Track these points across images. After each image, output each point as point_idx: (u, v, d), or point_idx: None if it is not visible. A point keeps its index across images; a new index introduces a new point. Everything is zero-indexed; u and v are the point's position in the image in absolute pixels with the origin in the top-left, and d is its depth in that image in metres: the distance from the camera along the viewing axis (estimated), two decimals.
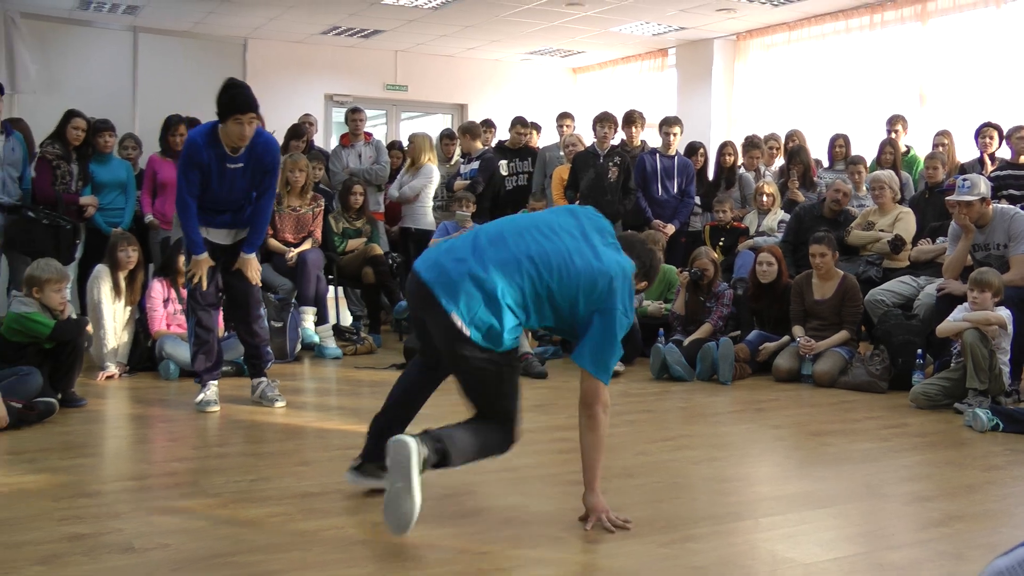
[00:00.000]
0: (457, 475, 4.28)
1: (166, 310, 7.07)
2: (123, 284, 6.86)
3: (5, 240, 7.73)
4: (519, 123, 9.92)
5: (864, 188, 8.40)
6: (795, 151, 9.26)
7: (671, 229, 8.86)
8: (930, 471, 4.64)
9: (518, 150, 9.82)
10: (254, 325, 5.88)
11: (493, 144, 10.20)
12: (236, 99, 5.26)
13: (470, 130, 9.76)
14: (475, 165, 9.56)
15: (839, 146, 9.28)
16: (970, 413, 5.41)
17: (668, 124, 9.16)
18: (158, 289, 7.07)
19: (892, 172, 8.14)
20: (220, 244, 5.68)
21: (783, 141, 9.72)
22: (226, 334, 6.91)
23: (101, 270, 6.86)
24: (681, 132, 9.20)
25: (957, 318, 5.92)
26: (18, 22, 11.13)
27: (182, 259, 6.75)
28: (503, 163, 9.71)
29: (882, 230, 7.70)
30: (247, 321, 5.86)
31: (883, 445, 5.10)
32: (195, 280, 5.56)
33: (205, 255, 5.55)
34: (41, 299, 5.63)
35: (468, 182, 9.43)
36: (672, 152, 9.10)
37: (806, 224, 8.01)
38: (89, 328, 6.18)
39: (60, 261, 6.21)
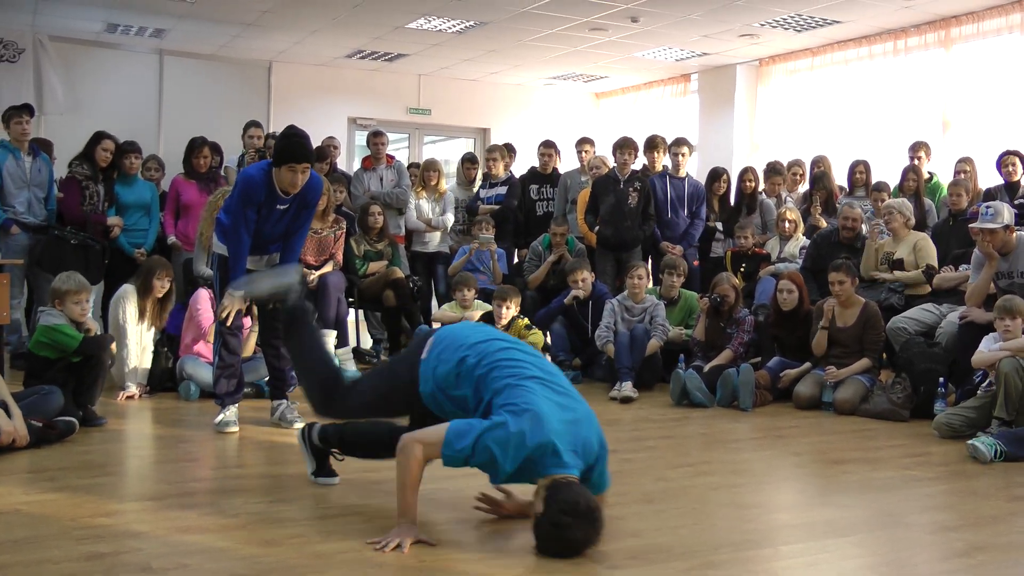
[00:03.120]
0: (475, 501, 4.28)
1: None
2: (148, 307, 6.88)
3: (30, 260, 7.79)
4: (543, 145, 9.97)
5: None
6: (818, 177, 9.25)
7: (679, 250, 8.83)
8: (953, 501, 4.60)
9: (547, 175, 9.85)
10: (282, 348, 5.91)
11: (512, 169, 10.21)
12: (293, 148, 5.38)
13: (492, 153, 9.82)
14: (499, 190, 9.59)
15: (859, 172, 9.25)
16: (971, 447, 5.33)
17: (677, 145, 9.18)
18: (205, 296, 7.03)
19: (903, 200, 8.09)
20: (254, 270, 5.74)
21: (808, 167, 9.71)
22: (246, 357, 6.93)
23: (127, 290, 6.89)
24: (690, 153, 9.20)
25: (992, 348, 5.86)
26: (47, 45, 11.26)
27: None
28: (533, 187, 9.77)
29: (900, 258, 7.65)
30: (276, 344, 5.90)
31: (905, 474, 5.05)
32: (223, 314, 5.60)
33: (242, 294, 5.61)
34: (63, 311, 5.71)
35: (495, 207, 9.46)
36: (682, 174, 9.11)
37: (823, 251, 7.99)
38: (113, 347, 6.21)
39: (89, 280, 6.24)
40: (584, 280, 8.04)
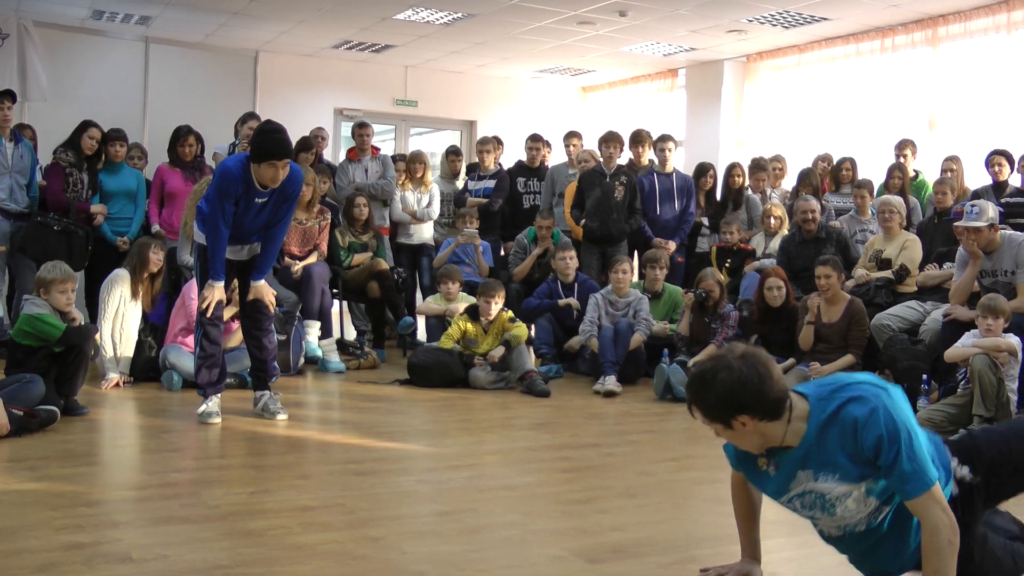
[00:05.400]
0: (458, 492, 4.29)
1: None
2: (142, 288, 6.87)
3: (12, 247, 7.75)
4: (531, 139, 9.96)
5: (869, 212, 8.38)
6: (805, 173, 9.26)
7: (672, 246, 8.87)
8: None
9: (534, 169, 9.84)
10: (264, 339, 5.92)
11: (500, 162, 10.19)
12: (274, 145, 5.37)
13: (485, 145, 9.82)
14: (488, 183, 9.57)
15: (846, 169, 9.29)
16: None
17: (662, 141, 9.24)
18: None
19: (901, 198, 8.11)
20: (235, 260, 5.76)
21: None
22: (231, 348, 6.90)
23: (120, 274, 6.88)
24: (675, 147, 9.23)
25: (967, 344, 5.89)
26: (31, 30, 11.17)
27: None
28: (520, 180, 9.76)
29: (888, 258, 7.67)
30: (257, 335, 5.90)
31: None
32: (204, 305, 5.59)
33: (222, 284, 5.61)
34: (48, 300, 5.68)
35: (483, 200, 9.45)
36: (669, 169, 9.13)
37: (792, 253, 8.00)
38: (98, 337, 6.19)
39: (72, 267, 6.23)
40: (572, 258, 8.13)
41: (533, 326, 8.18)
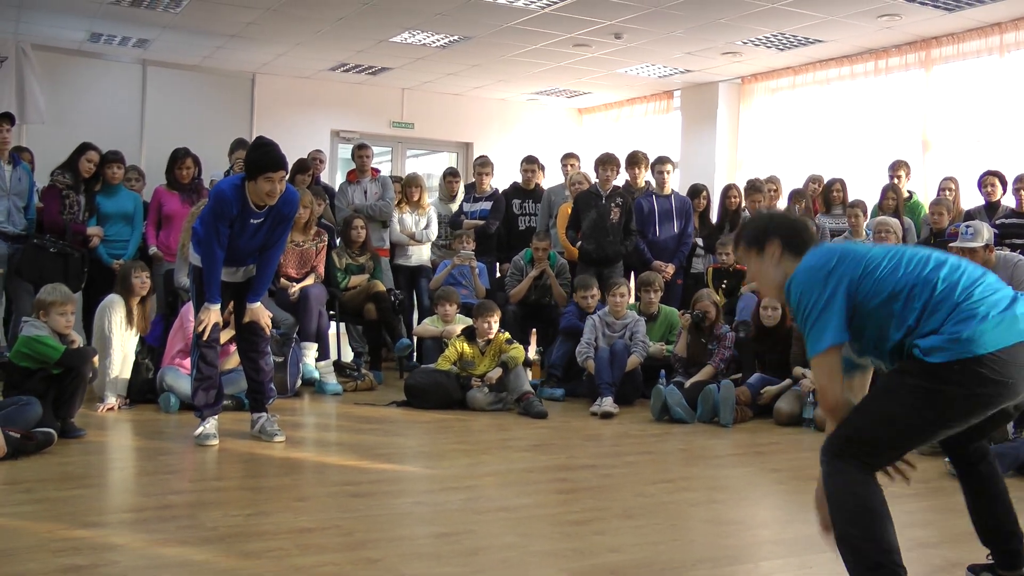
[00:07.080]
0: (456, 514, 4.28)
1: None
2: (136, 312, 6.88)
3: (9, 269, 7.75)
4: (526, 160, 9.98)
5: (864, 233, 8.41)
6: (796, 193, 9.29)
7: (671, 269, 8.89)
8: (932, 517, 4.61)
9: (530, 191, 9.86)
10: (260, 361, 5.91)
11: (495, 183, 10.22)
12: (268, 157, 5.40)
13: (485, 167, 9.84)
14: (484, 205, 9.60)
15: (836, 191, 9.33)
16: (947, 462, 5.35)
17: (660, 163, 9.27)
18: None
19: (896, 219, 8.14)
20: (230, 282, 5.76)
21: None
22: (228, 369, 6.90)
23: (114, 299, 6.87)
24: (673, 169, 9.26)
25: None
26: (29, 53, 11.21)
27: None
28: (515, 202, 9.79)
29: None
30: (253, 357, 5.90)
31: (884, 491, 5.06)
32: (200, 328, 5.60)
33: (218, 307, 5.63)
34: (47, 322, 5.70)
35: (479, 222, 9.47)
36: (667, 191, 9.16)
37: None
38: (95, 359, 6.19)
39: (68, 289, 6.23)
40: (594, 296, 8.09)
41: (556, 344, 8.17)
